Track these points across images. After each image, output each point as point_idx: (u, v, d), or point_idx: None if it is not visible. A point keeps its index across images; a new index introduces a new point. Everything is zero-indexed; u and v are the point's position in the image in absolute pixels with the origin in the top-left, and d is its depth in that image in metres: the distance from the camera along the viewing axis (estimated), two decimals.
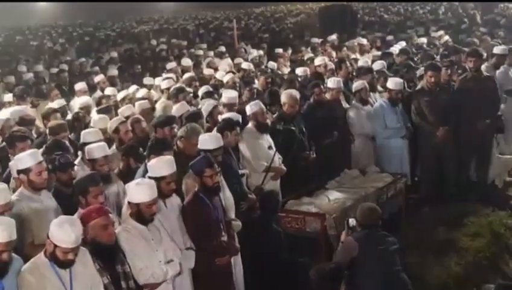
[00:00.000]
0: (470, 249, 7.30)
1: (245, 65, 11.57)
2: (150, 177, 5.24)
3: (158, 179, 5.18)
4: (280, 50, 13.57)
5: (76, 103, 9.30)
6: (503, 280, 6.46)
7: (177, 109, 7.73)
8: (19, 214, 4.89)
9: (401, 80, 8.87)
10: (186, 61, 12.43)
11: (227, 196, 6.08)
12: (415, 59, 11.15)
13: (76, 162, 6.31)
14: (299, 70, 10.30)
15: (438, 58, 10.96)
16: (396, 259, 5.54)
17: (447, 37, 14.15)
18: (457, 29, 16.21)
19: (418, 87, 8.83)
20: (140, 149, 6.29)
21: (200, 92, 9.01)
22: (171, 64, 12.12)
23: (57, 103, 8.80)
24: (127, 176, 5.96)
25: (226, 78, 10.14)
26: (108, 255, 4.61)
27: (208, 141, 6.06)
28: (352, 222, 5.61)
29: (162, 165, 5.33)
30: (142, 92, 9.47)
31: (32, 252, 4.57)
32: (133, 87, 9.99)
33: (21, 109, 8.27)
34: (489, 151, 8.97)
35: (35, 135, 7.72)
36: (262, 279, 6.17)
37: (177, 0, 39.13)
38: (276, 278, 6.15)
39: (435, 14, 22.67)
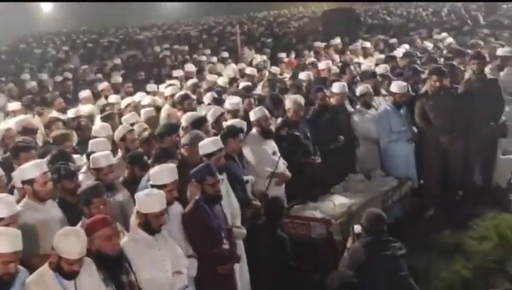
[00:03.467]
0: (476, 252, 7.28)
1: (249, 70, 11.57)
2: (151, 186, 5.24)
3: (160, 187, 5.18)
4: (283, 55, 13.58)
5: (81, 111, 9.29)
6: (510, 284, 6.44)
7: (187, 117, 7.52)
8: (24, 225, 4.88)
9: (405, 83, 8.84)
10: (190, 67, 12.42)
11: (233, 203, 6.08)
12: (419, 62, 11.11)
13: (82, 170, 6.33)
14: (303, 75, 10.29)
15: (441, 60, 10.96)
16: (403, 264, 5.52)
17: (450, 39, 14.11)
18: (461, 31, 16.17)
19: (422, 90, 8.81)
20: (145, 157, 6.28)
21: (206, 99, 8.99)
22: (178, 72, 12.09)
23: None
24: (132, 184, 5.96)
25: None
26: (113, 265, 4.60)
27: (207, 145, 6.05)
28: (357, 228, 5.60)
29: (163, 173, 5.33)
30: (148, 99, 9.47)
31: (37, 263, 4.56)
32: (139, 95, 10.00)
33: (24, 118, 8.27)
34: (494, 154, 8.94)
35: (40, 144, 7.74)
36: (268, 285, 6.15)
37: (180, 0, 39.09)
38: (281, 284, 6.13)
39: (438, 16, 22.62)
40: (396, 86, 8.68)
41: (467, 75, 9.07)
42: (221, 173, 5.91)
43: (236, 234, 5.95)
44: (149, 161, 6.17)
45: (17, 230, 4.29)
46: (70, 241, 4.21)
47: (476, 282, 6.71)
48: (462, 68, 9.64)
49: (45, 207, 5.22)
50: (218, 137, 6.29)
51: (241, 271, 6.01)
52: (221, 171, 5.92)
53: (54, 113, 9.29)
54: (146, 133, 7.05)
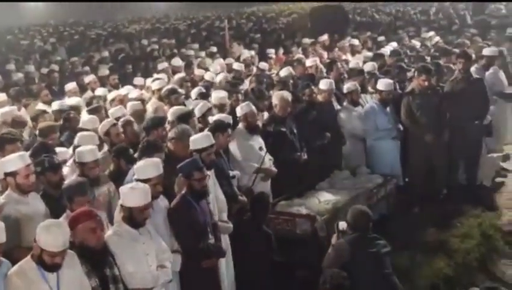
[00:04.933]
0: (459, 250, 7.35)
1: (236, 66, 11.55)
2: (136, 180, 5.21)
3: (144, 181, 5.15)
4: (272, 51, 13.56)
5: (67, 103, 9.22)
6: (491, 281, 6.50)
7: (173, 112, 7.48)
8: (6, 217, 4.85)
9: (391, 81, 8.88)
10: (177, 61, 12.38)
11: (220, 198, 6.09)
12: (406, 60, 11.16)
13: (68, 163, 6.28)
14: (283, 71, 10.30)
15: (428, 59, 11.01)
16: (387, 262, 5.53)
17: (437, 38, 14.18)
18: (448, 30, 16.25)
19: (409, 89, 8.84)
20: (131, 150, 6.25)
21: (193, 94, 8.96)
22: (163, 65, 12.07)
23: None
24: (118, 177, 5.93)
25: (219, 78, 10.13)
26: (96, 258, 4.58)
27: (199, 140, 6.04)
28: (342, 225, 5.60)
29: (148, 167, 5.30)
30: (135, 92, 9.43)
31: (20, 255, 4.52)
32: (125, 88, 9.95)
33: (10, 110, 8.20)
34: (479, 153, 9.00)
35: (27, 137, 7.68)
36: (253, 281, 6.16)
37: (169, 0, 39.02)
38: (266, 279, 6.14)
39: (426, 15, 22.71)
40: (382, 83, 8.72)
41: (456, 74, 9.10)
42: (210, 169, 5.90)
43: (223, 228, 5.95)
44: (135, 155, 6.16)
45: (0, 222, 4.26)
46: (53, 234, 4.18)
47: (458, 280, 6.77)
48: (453, 67, 9.63)
49: (28, 200, 5.18)
50: (210, 133, 6.26)
51: (227, 266, 6.02)
52: (210, 167, 5.91)
53: (40, 105, 9.23)
54: (120, 122, 7.02)
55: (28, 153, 5.72)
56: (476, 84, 8.81)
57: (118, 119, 7.32)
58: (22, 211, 5.04)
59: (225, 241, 6.04)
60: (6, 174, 5.19)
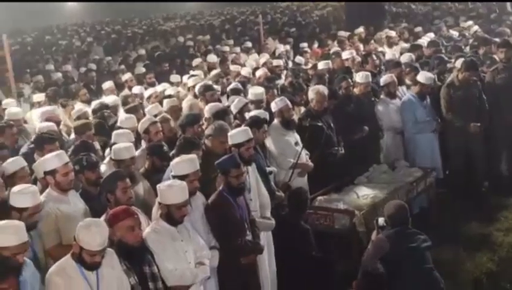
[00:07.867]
0: (503, 244, 7.21)
1: (275, 61, 11.48)
2: (173, 176, 5.23)
3: (181, 178, 5.16)
4: (305, 45, 13.46)
5: (105, 102, 9.31)
6: None
7: (209, 108, 7.45)
8: (46, 215, 4.93)
9: (433, 75, 8.71)
10: (212, 58, 12.40)
11: (263, 194, 6.07)
12: (444, 51, 10.93)
13: (105, 161, 6.34)
14: (321, 64, 10.20)
15: (467, 49, 10.77)
16: (428, 257, 5.44)
17: (476, 27, 13.89)
18: (487, 19, 15.89)
19: (448, 81, 8.64)
20: (165, 148, 6.27)
21: (228, 89, 8.95)
22: (197, 61, 12.11)
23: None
24: (153, 175, 5.96)
25: (258, 73, 10.09)
26: (135, 255, 4.61)
27: (237, 135, 6.02)
28: (382, 221, 5.53)
29: (184, 163, 5.31)
30: (171, 90, 9.47)
31: (60, 253, 4.59)
32: (161, 85, 10.01)
33: (50, 109, 8.33)
34: None
35: (66, 135, 7.79)
36: (292, 276, 6.13)
37: None
38: (305, 274, 6.10)
39: (464, 4, 22.25)
40: (423, 76, 8.55)
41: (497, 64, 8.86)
42: (250, 164, 5.91)
43: (266, 225, 5.94)
44: (172, 152, 6.17)
45: (20, 222, 4.30)
46: (92, 233, 4.22)
47: (501, 274, 6.63)
48: (494, 57, 9.38)
49: (68, 198, 5.24)
50: (248, 128, 6.23)
51: (269, 262, 6.01)
52: (250, 161, 5.91)
53: (79, 105, 9.35)
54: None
55: (69, 151, 5.80)
56: None
57: (155, 116, 7.35)
58: (62, 209, 5.09)
59: (267, 237, 6.03)
60: (46, 173, 5.26)
